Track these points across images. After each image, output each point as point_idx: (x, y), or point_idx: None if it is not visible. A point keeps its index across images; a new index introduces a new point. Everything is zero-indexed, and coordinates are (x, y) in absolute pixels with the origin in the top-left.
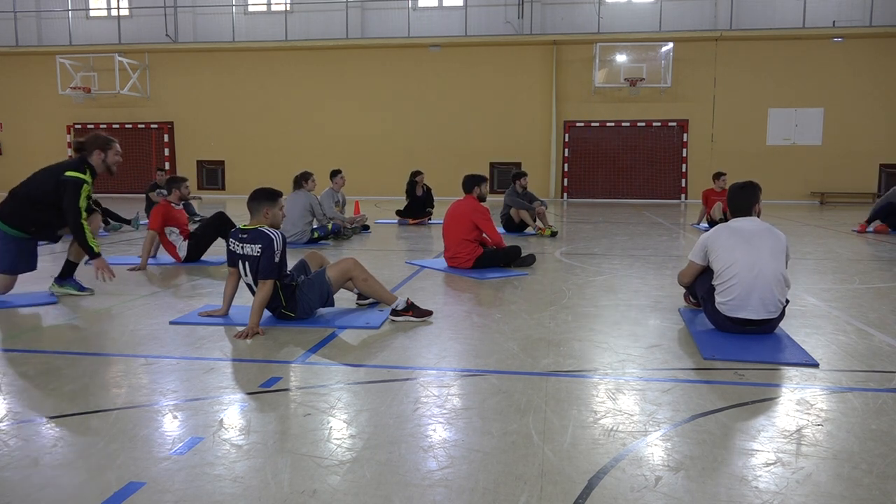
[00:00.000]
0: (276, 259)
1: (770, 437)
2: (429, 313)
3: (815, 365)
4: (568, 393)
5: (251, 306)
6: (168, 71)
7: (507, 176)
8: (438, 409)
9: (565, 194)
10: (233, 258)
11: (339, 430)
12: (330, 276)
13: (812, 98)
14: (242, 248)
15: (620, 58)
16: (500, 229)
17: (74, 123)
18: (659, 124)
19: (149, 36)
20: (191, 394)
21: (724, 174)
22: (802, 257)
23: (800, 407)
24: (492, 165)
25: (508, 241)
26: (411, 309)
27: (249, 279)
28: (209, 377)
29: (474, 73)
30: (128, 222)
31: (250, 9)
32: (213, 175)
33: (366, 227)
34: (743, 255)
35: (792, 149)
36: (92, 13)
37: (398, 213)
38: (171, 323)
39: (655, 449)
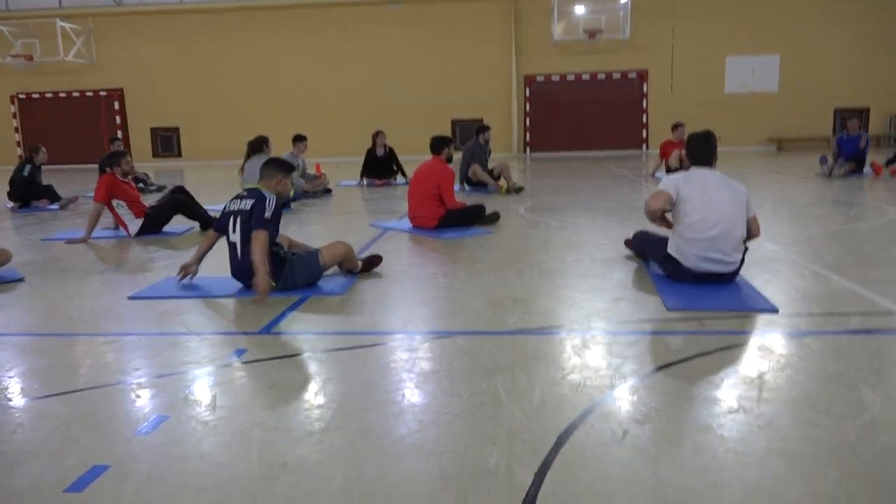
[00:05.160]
0: (267, 214)
1: (733, 384)
2: (377, 260)
3: (775, 311)
4: (535, 351)
5: (253, 260)
6: (115, 36)
7: (470, 132)
8: (406, 373)
9: (528, 148)
10: (222, 220)
11: (306, 401)
12: (325, 258)
13: (768, 45)
14: (238, 203)
15: (579, 9)
16: (465, 188)
17: (18, 93)
18: (619, 76)
19: None
20: (154, 371)
21: (683, 125)
22: (760, 204)
23: (761, 353)
24: (453, 123)
25: (473, 198)
26: (365, 266)
27: (237, 236)
28: (172, 353)
29: (433, 29)
30: (58, 199)
31: None
32: (167, 142)
33: (328, 191)
34: (704, 205)
35: (749, 96)
36: None
37: (362, 175)
38: (130, 298)
39: (622, 403)
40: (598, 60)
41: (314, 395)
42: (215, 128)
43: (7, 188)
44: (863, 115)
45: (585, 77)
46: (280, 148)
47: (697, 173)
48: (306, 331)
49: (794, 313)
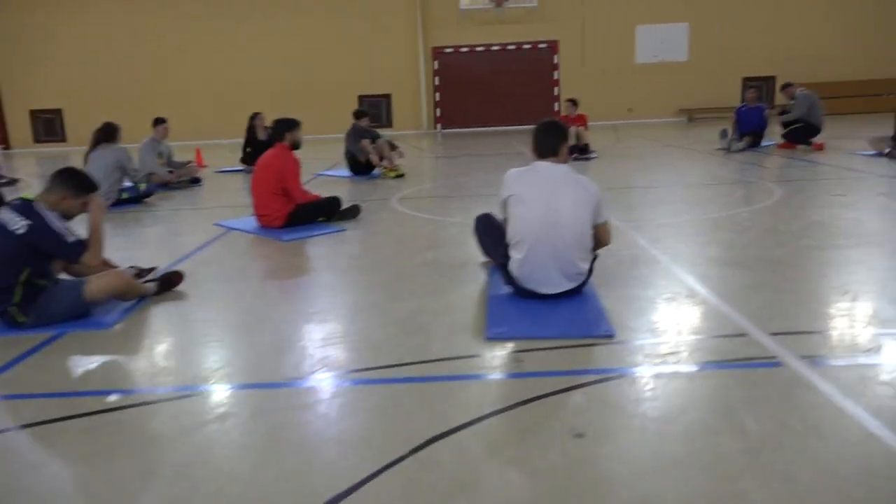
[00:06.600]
0: (68, 240)
1: (515, 471)
2: (177, 278)
3: (611, 335)
4: (291, 415)
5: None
6: None
7: (379, 110)
8: (117, 459)
9: (438, 125)
10: None
11: None
12: (91, 291)
13: (677, 13)
14: (5, 212)
15: None
16: (345, 172)
17: None
18: (529, 46)
19: None
20: None
21: (574, 100)
22: (649, 185)
23: (571, 412)
24: (360, 99)
25: (354, 184)
26: (162, 286)
27: None
28: None
29: (334, 3)
30: None
31: None
32: (50, 125)
33: (196, 180)
34: (538, 209)
35: (659, 66)
36: None
37: (242, 160)
38: None
39: None
40: (507, 31)
41: None
42: (104, 109)
43: None
44: (768, 83)
45: (495, 48)
46: (178, 132)
47: (537, 169)
48: (27, 393)
49: (636, 338)
